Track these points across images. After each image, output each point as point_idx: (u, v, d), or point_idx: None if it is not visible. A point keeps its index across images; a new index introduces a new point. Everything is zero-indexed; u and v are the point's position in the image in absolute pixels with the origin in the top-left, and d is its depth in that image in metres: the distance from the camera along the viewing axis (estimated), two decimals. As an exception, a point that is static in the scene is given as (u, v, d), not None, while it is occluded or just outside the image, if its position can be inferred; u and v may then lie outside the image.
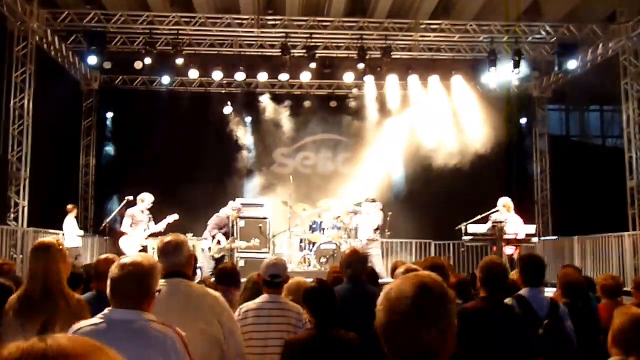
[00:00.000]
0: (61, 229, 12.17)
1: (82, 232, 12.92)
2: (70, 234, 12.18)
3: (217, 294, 3.48)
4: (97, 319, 2.58)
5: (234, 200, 11.86)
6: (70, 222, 12.35)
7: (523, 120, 17.02)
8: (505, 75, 14.22)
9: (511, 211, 10.06)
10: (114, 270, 2.64)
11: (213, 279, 5.78)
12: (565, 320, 4.08)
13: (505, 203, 10.09)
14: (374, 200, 12.03)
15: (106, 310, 2.60)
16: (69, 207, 12.46)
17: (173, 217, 11.04)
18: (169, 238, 3.47)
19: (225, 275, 5.07)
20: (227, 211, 11.30)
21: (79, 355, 0.91)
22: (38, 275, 3.34)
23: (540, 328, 3.90)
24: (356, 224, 12.28)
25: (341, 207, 12.77)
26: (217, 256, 10.79)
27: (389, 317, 1.54)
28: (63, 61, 14.43)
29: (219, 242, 10.76)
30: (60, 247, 3.47)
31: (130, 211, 11.03)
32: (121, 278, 2.60)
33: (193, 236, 12.10)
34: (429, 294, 1.53)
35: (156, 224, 11.01)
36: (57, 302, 3.28)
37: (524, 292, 4.20)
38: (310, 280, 4.24)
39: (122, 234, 10.93)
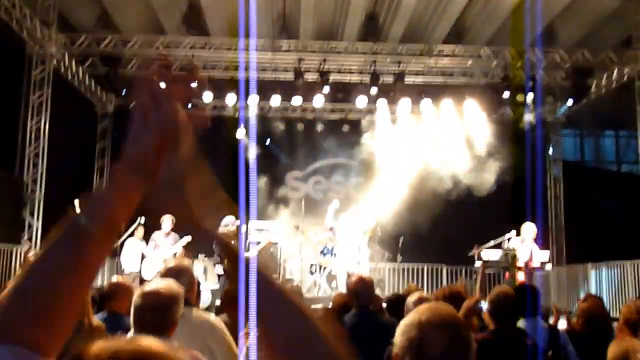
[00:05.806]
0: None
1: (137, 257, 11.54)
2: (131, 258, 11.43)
3: (218, 320, 3.43)
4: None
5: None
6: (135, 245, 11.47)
7: (537, 146, 16.89)
8: (519, 100, 14.19)
9: (531, 239, 9.99)
10: (136, 299, 2.69)
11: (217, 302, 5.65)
12: (566, 346, 4.07)
13: (531, 230, 10.00)
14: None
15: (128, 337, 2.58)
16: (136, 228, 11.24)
17: (185, 239, 11.01)
18: (171, 264, 3.47)
19: (232, 300, 4.99)
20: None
21: (167, 356, 0.89)
22: None
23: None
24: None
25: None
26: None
27: (418, 356, 1.58)
28: (79, 84, 14.58)
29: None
30: None
31: (154, 234, 11.03)
32: (143, 307, 2.66)
33: (205, 256, 12.05)
34: (460, 338, 1.63)
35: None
36: (80, 327, 3.27)
37: (520, 322, 4.17)
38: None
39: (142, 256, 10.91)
